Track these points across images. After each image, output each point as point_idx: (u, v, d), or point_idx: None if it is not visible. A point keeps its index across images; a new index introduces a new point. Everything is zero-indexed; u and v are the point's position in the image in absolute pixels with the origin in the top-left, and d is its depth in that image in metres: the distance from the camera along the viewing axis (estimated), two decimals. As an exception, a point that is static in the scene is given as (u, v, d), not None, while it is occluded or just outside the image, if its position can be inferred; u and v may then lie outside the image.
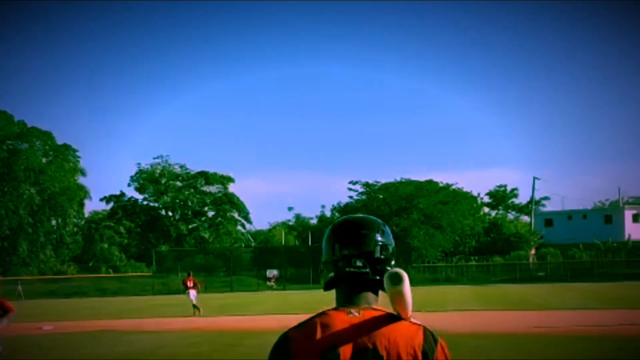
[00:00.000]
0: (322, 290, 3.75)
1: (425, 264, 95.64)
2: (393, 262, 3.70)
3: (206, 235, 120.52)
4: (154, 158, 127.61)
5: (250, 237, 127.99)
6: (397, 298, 3.48)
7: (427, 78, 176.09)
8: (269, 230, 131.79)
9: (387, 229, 3.79)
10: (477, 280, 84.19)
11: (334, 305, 3.56)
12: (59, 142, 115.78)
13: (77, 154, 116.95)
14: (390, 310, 3.49)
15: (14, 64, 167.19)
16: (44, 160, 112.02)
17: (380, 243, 3.66)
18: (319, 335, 3.37)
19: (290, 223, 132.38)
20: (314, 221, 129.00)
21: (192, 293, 44.81)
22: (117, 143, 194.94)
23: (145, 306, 55.50)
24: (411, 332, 3.43)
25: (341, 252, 3.60)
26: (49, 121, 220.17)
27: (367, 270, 3.55)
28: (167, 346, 25.25)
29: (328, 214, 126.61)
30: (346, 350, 3.33)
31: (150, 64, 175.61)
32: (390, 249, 3.73)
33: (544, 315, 35.05)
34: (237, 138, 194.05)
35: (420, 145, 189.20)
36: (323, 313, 3.47)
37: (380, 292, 3.62)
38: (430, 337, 3.46)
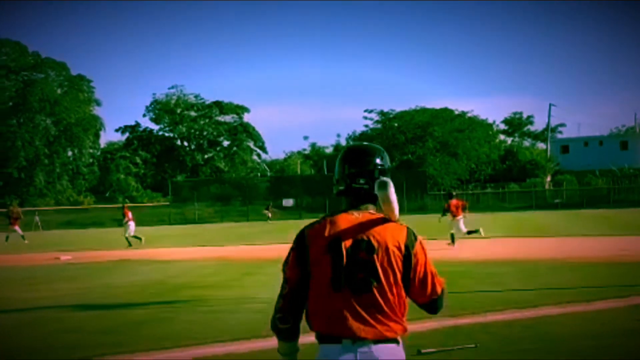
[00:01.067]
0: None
1: (441, 192, 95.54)
2: (388, 177, 4.90)
3: (222, 165, 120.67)
4: (169, 88, 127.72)
5: (265, 166, 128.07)
6: (385, 202, 4.73)
7: (443, 4, 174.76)
8: (285, 159, 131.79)
9: (386, 155, 5.01)
10: (492, 208, 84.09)
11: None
12: (74, 72, 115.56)
13: (92, 84, 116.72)
14: (381, 214, 4.76)
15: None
16: (58, 91, 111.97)
17: (379, 166, 4.92)
18: (327, 230, 4.71)
19: (306, 152, 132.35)
20: (330, 150, 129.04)
21: (132, 225, 44.63)
22: (132, 73, 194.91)
23: (163, 236, 55.72)
24: (397, 230, 4.73)
25: (349, 171, 4.91)
26: (63, 52, 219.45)
27: (367, 186, 4.84)
28: (185, 275, 25.36)
29: (343, 142, 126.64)
30: (347, 242, 4.64)
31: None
32: (387, 171, 4.96)
33: (560, 242, 35.05)
34: (253, 67, 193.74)
35: (435, 73, 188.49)
36: (332, 214, 4.81)
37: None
38: (411, 234, 4.77)
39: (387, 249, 4.62)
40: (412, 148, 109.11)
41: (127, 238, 43.25)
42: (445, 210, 35.30)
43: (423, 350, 11.32)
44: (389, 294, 4.62)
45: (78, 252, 39.05)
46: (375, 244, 4.62)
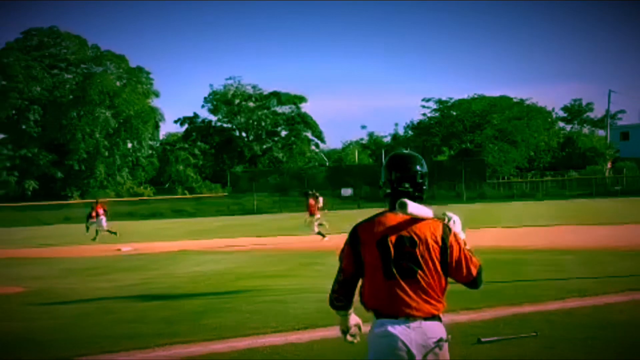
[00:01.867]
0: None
1: (500, 180, 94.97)
2: (426, 184, 5.91)
3: (280, 155, 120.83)
4: (227, 79, 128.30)
5: (323, 156, 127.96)
6: (412, 216, 5.64)
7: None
8: (343, 149, 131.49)
9: (424, 162, 5.94)
10: (552, 196, 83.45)
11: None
12: (132, 64, 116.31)
13: (151, 76, 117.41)
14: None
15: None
16: (118, 83, 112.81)
17: (419, 172, 5.87)
18: (376, 227, 5.69)
19: (364, 142, 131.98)
20: (388, 139, 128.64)
21: (104, 220, 45.36)
22: (190, 65, 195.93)
23: (221, 226, 55.99)
24: (434, 225, 5.68)
25: (395, 176, 5.86)
26: (122, 44, 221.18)
27: (411, 189, 5.81)
28: (244, 266, 25.48)
29: (401, 131, 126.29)
30: (393, 237, 5.62)
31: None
32: (425, 176, 5.89)
33: (620, 229, 34.71)
34: (310, 57, 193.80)
35: (493, 61, 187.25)
36: (381, 213, 5.77)
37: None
38: (446, 228, 5.70)
39: (426, 242, 5.60)
40: (471, 136, 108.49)
41: (97, 231, 44.27)
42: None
43: (483, 339, 11.30)
44: (430, 279, 5.58)
45: (138, 243, 39.39)
46: (417, 239, 5.60)
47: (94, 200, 49.32)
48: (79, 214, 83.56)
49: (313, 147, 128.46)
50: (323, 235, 35.81)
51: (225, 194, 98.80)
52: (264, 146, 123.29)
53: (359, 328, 6.05)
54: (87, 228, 49.33)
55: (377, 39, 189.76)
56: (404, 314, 5.53)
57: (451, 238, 5.67)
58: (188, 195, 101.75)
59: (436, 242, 5.62)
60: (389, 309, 5.58)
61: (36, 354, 11.85)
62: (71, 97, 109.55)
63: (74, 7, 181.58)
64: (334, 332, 12.35)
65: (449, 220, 5.76)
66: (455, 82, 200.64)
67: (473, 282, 5.74)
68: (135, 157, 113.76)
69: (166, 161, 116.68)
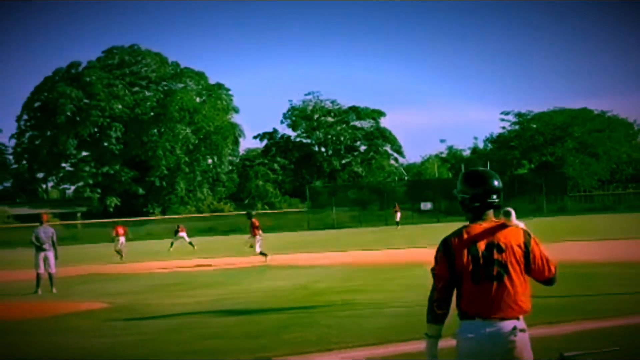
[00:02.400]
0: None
1: (581, 193, 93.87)
2: (500, 198, 6.33)
3: (359, 170, 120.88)
4: (305, 94, 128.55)
5: (403, 170, 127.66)
6: (510, 223, 6.18)
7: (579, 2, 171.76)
8: (422, 163, 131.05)
9: (498, 177, 6.42)
10: (634, 208, 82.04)
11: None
12: (212, 81, 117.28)
13: (230, 92, 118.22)
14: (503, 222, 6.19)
15: (166, 6, 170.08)
16: (197, 99, 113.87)
17: (497, 185, 6.33)
18: (465, 237, 6.15)
19: (443, 155, 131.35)
20: (467, 153, 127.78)
21: (122, 240, 45.83)
22: (269, 81, 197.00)
23: (301, 241, 56.15)
24: (517, 232, 6.18)
25: (483, 190, 6.28)
26: (201, 61, 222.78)
27: (497, 201, 6.28)
28: (324, 280, 25.52)
29: (481, 145, 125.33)
30: (481, 244, 6.08)
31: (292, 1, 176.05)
32: (501, 190, 6.36)
33: None
34: (388, 71, 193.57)
35: (573, 73, 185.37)
36: (467, 225, 6.24)
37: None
38: (527, 234, 6.20)
39: (511, 248, 6.08)
40: (551, 149, 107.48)
41: (117, 251, 45.12)
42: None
43: (566, 354, 11.19)
44: (516, 282, 6.05)
45: (219, 259, 39.68)
46: (503, 245, 6.08)
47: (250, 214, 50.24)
48: (161, 230, 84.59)
49: (392, 161, 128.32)
50: (265, 255, 35.71)
51: (305, 208, 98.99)
52: (343, 161, 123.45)
53: None
54: (172, 244, 50.21)
55: (455, 52, 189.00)
56: (488, 315, 5.99)
57: (532, 243, 6.19)
58: (268, 210, 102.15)
59: (519, 248, 6.13)
60: (478, 311, 6.03)
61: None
62: (152, 114, 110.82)
63: (155, 25, 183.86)
64: (414, 346, 12.36)
65: (508, 215, 6.27)
66: (534, 95, 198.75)
67: (551, 281, 6.32)
68: (216, 173, 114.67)
69: (246, 177, 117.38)
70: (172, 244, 52.68)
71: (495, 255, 6.07)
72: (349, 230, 77.65)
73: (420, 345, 12.24)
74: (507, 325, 5.97)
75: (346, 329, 14.90)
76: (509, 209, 6.23)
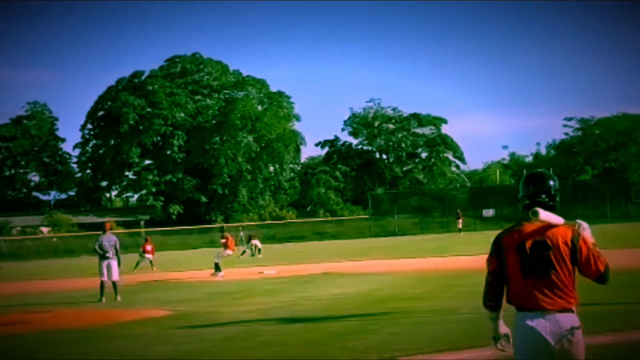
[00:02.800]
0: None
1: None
2: (559, 197, 6.89)
3: (420, 177, 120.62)
4: (367, 102, 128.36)
5: (464, 177, 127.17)
6: (543, 222, 6.56)
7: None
8: (484, 169, 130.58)
9: (556, 179, 6.96)
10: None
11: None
12: (273, 89, 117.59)
13: (291, 100, 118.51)
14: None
15: (228, 15, 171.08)
16: (259, 107, 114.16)
17: (553, 186, 6.86)
18: (515, 235, 6.65)
19: (505, 162, 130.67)
20: (529, 159, 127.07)
21: (149, 256, 45.75)
22: (330, 88, 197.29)
23: (363, 248, 56.08)
24: (565, 231, 6.58)
25: (533, 189, 6.86)
26: (262, 69, 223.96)
27: (546, 200, 6.76)
28: (387, 287, 25.46)
29: (543, 151, 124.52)
30: (529, 243, 6.53)
31: (354, 9, 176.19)
32: (558, 190, 6.88)
33: None
34: (449, 78, 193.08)
35: (637, 77, 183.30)
36: (519, 223, 6.74)
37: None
38: (576, 233, 6.58)
39: (558, 245, 6.48)
40: (614, 155, 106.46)
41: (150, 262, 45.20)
42: None
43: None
44: (562, 278, 6.46)
45: (281, 266, 39.72)
46: (550, 243, 6.49)
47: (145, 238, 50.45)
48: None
49: (454, 168, 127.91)
50: (219, 270, 35.52)
51: (367, 216, 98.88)
52: (405, 168, 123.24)
53: (508, 339, 6.76)
54: (244, 252, 50.72)
55: (517, 57, 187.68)
56: (540, 308, 6.42)
57: (580, 241, 6.55)
58: (330, 218, 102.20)
59: (567, 245, 6.51)
60: (528, 304, 6.48)
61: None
62: (214, 122, 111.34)
63: (216, 33, 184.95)
64: (476, 354, 12.25)
65: (579, 226, 6.73)
66: (598, 101, 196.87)
67: (601, 278, 6.56)
68: (277, 181, 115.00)
69: (307, 184, 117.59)
70: (243, 252, 53.23)
71: (543, 252, 6.51)
72: (410, 237, 77.41)
73: (486, 353, 12.16)
74: (564, 319, 6.41)
75: (409, 336, 14.82)
76: (537, 208, 6.59)
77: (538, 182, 6.92)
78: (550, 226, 6.60)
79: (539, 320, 6.40)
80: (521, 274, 6.54)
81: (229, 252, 36.59)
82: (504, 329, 6.82)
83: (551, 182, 6.90)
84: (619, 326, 13.75)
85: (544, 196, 6.79)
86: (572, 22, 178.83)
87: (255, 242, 54.63)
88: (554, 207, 6.79)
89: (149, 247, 46.49)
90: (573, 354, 6.39)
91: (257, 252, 53.42)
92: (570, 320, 6.41)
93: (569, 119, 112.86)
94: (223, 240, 37.06)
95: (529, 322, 6.44)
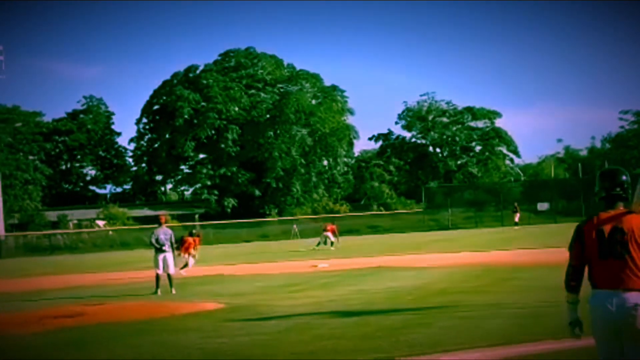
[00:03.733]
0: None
1: None
2: (630, 190, 7.61)
3: (474, 171, 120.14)
4: (420, 95, 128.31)
5: (519, 170, 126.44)
6: (637, 203, 7.61)
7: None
8: (538, 163, 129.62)
9: (628, 174, 7.72)
10: None
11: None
12: (327, 83, 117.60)
13: (345, 94, 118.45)
14: (629, 210, 7.50)
15: (282, 9, 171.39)
16: (313, 101, 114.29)
17: (626, 180, 7.64)
18: (594, 222, 7.47)
19: (560, 155, 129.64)
20: (584, 152, 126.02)
21: (192, 260, 43.97)
22: (383, 82, 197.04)
23: (419, 242, 56.00)
24: (638, 218, 7.37)
25: (609, 184, 7.62)
26: (316, 63, 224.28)
27: (621, 192, 7.57)
28: (441, 281, 25.42)
29: (598, 145, 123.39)
30: (607, 228, 7.37)
31: (408, 3, 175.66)
32: (630, 184, 7.64)
33: None
34: (503, 71, 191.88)
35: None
36: (596, 213, 7.56)
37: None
38: None
39: (632, 231, 7.30)
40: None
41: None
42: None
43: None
44: (636, 260, 7.24)
45: (335, 260, 39.77)
46: (625, 229, 7.31)
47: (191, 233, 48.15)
48: (277, 231, 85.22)
49: (508, 162, 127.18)
50: (184, 266, 34.92)
51: (420, 209, 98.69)
52: (459, 161, 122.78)
53: (582, 326, 7.63)
54: (319, 243, 51.08)
55: (571, 50, 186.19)
56: (613, 287, 7.25)
57: None
58: (383, 212, 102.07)
59: None
60: (603, 283, 7.35)
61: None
62: (268, 116, 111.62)
63: (270, 27, 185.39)
64: (530, 348, 12.24)
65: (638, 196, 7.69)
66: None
67: None
68: (331, 174, 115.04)
69: (361, 178, 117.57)
70: (319, 243, 53.54)
71: (618, 237, 7.32)
72: (464, 231, 77.16)
73: (540, 347, 12.14)
74: (630, 296, 7.20)
75: (463, 330, 14.82)
76: None
77: (613, 178, 7.70)
78: (625, 214, 7.50)
79: (612, 297, 7.24)
80: (599, 256, 7.39)
81: (185, 256, 35.37)
82: (579, 315, 7.67)
83: (624, 177, 7.72)
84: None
85: (618, 189, 7.60)
86: (628, 13, 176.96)
87: (327, 233, 54.56)
88: (627, 198, 7.66)
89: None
90: (638, 327, 7.17)
91: (330, 243, 53.48)
92: (635, 298, 7.18)
93: (625, 112, 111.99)
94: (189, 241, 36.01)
95: (604, 298, 7.30)
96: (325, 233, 54.59)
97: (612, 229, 7.42)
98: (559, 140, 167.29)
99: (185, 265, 35.22)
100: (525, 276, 24.97)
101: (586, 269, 7.63)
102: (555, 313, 16.29)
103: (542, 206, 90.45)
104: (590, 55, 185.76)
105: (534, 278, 24.21)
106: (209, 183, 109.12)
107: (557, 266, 27.92)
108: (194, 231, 40.15)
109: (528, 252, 37.88)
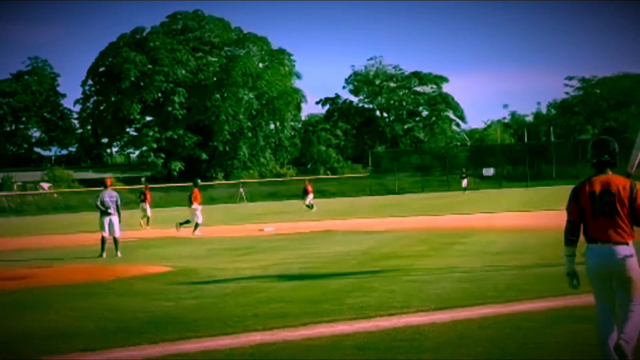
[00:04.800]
0: (537, 187, 9.85)
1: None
2: (617, 158, 8.72)
3: (421, 135, 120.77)
4: (368, 59, 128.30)
5: (465, 135, 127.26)
6: (635, 155, 13.57)
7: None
8: (484, 128, 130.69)
9: (616, 143, 8.74)
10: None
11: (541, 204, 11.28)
12: (274, 47, 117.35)
13: (292, 58, 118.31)
14: (616, 173, 8.71)
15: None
16: (260, 65, 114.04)
17: (614, 149, 8.71)
18: (587, 185, 8.63)
19: (506, 121, 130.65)
20: (530, 118, 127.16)
21: (147, 205, 44.77)
22: (331, 46, 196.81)
23: (363, 206, 56.22)
24: (625, 181, 8.58)
25: (599, 151, 8.72)
26: (264, 27, 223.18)
27: (609, 159, 8.66)
28: (387, 245, 25.54)
29: (544, 110, 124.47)
30: (597, 190, 8.51)
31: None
32: (617, 152, 8.73)
33: None
34: (451, 36, 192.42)
35: (638, 37, 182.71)
36: (588, 178, 8.71)
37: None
38: (633, 183, 8.51)
39: (619, 193, 8.49)
40: (615, 115, 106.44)
41: (147, 218, 44.04)
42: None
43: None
44: (623, 218, 8.49)
45: (281, 223, 39.81)
46: (614, 191, 8.51)
47: (144, 185, 47.71)
48: (223, 194, 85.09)
49: (454, 127, 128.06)
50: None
51: (367, 174, 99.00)
52: (405, 126, 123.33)
53: (578, 278, 8.79)
54: (309, 205, 50.78)
55: (517, 17, 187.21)
56: (605, 240, 8.50)
57: (636, 190, 8.54)
58: (330, 176, 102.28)
59: (626, 192, 8.53)
60: (596, 237, 8.56)
61: (182, 333, 12.13)
62: (215, 79, 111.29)
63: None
64: (477, 311, 12.36)
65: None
66: (599, 60, 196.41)
67: None
68: (278, 138, 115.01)
69: (308, 142, 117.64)
70: (308, 205, 53.30)
71: (607, 199, 8.52)
72: (411, 195, 77.61)
73: (485, 311, 12.26)
74: (620, 249, 8.45)
75: (408, 293, 14.90)
76: None
77: (602, 146, 8.82)
78: (613, 177, 8.67)
79: (603, 249, 8.51)
80: (592, 214, 8.60)
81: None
82: (576, 267, 8.81)
83: (612, 146, 8.81)
84: None
85: (606, 156, 8.74)
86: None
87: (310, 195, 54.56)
88: (615, 164, 8.79)
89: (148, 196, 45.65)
90: (626, 274, 8.48)
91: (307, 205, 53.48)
92: (625, 250, 8.46)
93: (570, 79, 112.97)
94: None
95: (596, 250, 8.57)
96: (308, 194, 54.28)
97: (601, 191, 8.61)
98: (505, 106, 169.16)
99: (196, 225, 35.80)
100: (469, 241, 25.17)
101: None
102: (498, 277, 16.47)
103: (488, 171, 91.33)
104: (536, 20, 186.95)
105: (478, 242, 24.41)
106: (155, 146, 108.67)
107: (502, 231, 28.25)
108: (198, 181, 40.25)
109: (473, 217, 38.19)
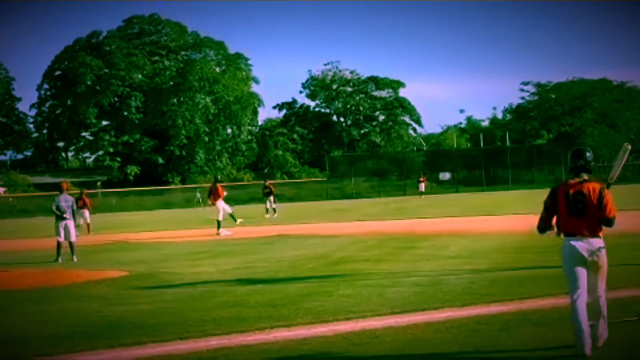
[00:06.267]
0: (493, 192, 9.72)
1: (600, 164, 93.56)
2: (592, 164, 10.05)
3: (378, 140, 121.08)
4: (325, 64, 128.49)
5: (421, 140, 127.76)
6: (618, 162, 11.29)
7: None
8: (441, 133, 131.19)
9: (591, 151, 10.10)
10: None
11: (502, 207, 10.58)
12: (231, 51, 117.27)
13: (249, 62, 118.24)
14: (592, 178, 10.01)
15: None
16: (217, 69, 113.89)
17: (589, 156, 10.04)
18: (564, 187, 9.98)
19: (462, 125, 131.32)
20: (486, 123, 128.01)
21: (86, 212, 43.50)
22: (288, 51, 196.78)
23: (320, 211, 56.28)
24: (596, 185, 9.82)
25: (576, 159, 10.05)
26: (221, 31, 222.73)
27: (584, 164, 9.98)
28: (343, 249, 25.61)
29: (499, 115, 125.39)
30: (572, 192, 9.82)
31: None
32: (591, 159, 10.06)
33: None
34: (407, 41, 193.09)
35: (593, 44, 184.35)
36: (566, 180, 10.10)
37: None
38: (603, 187, 9.85)
39: (590, 195, 9.74)
40: (570, 120, 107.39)
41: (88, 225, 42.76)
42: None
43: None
44: (593, 215, 9.71)
45: (237, 228, 39.75)
46: (586, 192, 9.76)
47: (80, 192, 46.06)
48: (180, 199, 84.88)
49: (411, 132, 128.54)
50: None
51: (324, 178, 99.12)
52: (362, 131, 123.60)
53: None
54: (267, 210, 50.24)
55: (473, 22, 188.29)
56: (579, 234, 9.75)
57: (605, 192, 9.84)
58: (287, 180, 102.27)
59: (596, 194, 9.77)
60: (572, 232, 9.81)
61: (139, 337, 12.13)
62: (171, 83, 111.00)
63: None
64: (433, 315, 12.45)
65: (623, 152, 11.15)
66: (554, 66, 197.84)
67: (609, 221, 9.82)
68: (235, 143, 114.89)
69: (265, 146, 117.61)
70: (267, 210, 53.45)
71: (579, 199, 9.77)
72: (367, 200, 77.75)
73: (441, 315, 12.36)
74: (594, 241, 9.71)
75: (365, 298, 15.00)
76: (626, 145, 11.32)
77: (578, 154, 10.11)
78: (585, 181, 9.89)
79: (578, 242, 9.74)
80: (567, 212, 9.86)
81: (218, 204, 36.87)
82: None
83: (588, 154, 10.12)
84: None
85: (581, 162, 10.03)
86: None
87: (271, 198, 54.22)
88: (590, 170, 10.05)
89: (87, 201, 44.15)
90: (599, 263, 9.78)
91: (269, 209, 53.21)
92: (598, 242, 9.76)
93: (526, 84, 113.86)
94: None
95: (572, 243, 9.77)
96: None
97: (575, 192, 9.85)
98: (462, 111, 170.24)
99: (219, 223, 36.26)
100: (425, 245, 25.29)
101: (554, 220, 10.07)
102: (454, 281, 16.60)
103: (444, 176, 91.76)
104: (493, 25, 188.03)
105: (434, 247, 24.54)
106: (111, 150, 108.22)
107: (457, 235, 28.42)
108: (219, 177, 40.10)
109: (429, 221, 38.34)
